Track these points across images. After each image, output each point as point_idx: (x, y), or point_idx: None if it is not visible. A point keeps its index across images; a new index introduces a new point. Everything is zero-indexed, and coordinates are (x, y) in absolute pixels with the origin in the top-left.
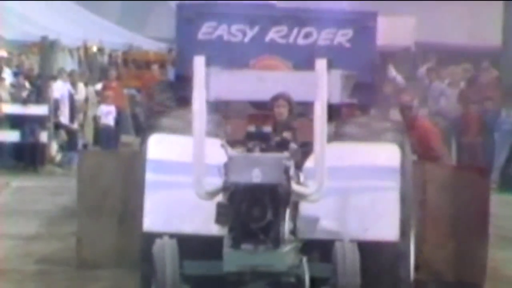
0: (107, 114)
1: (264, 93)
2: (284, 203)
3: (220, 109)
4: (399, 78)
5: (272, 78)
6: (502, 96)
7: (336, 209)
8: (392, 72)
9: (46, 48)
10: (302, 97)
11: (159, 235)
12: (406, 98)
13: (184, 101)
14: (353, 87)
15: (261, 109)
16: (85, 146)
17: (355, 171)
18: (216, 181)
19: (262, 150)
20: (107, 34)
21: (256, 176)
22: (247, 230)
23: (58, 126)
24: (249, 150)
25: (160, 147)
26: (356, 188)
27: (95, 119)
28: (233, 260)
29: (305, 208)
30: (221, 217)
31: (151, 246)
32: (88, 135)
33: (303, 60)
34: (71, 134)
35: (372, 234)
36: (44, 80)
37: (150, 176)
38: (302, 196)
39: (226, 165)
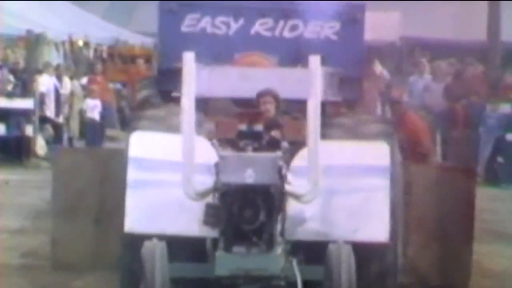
0: (93, 108)
1: (247, 90)
2: (277, 204)
3: (200, 106)
4: (385, 73)
5: (256, 75)
6: (487, 91)
7: (324, 209)
8: (378, 67)
9: (32, 42)
10: (286, 95)
11: (141, 236)
12: (395, 93)
13: (167, 96)
14: (340, 82)
15: (244, 107)
16: (70, 139)
17: (343, 170)
18: (203, 181)
19: (255, 149)
20: (93, 28)
21: (249, 177)
22: (239, 233)
23: (43, 120)
24: (241, 149)
25: (142, 145)
26: (344, 187)
27: (81, 113)
28: (225, 263)
29: (292, 208)
30: (210, 218)
31: (132, 248)
32: (73, 129)
33: (289, 53)
34: (57, 127)
35: (362, 235)
36: (30, 74)
37: (131, 175)
38: (295, 197)
39: (217, 165)
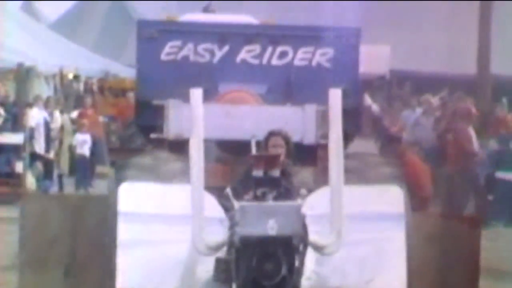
0: (82, 143)
1: (232, 130)
2: (301, 255)
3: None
4: (375, 107)
5: (241, 113)
6: (476, 126)
7: (334, 259)
8: (368, 100)
9: (22, 75)
10: None
11: None
12: (394, 129)
13: (146, 132)
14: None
15: (229, 150)
16: (60, 176)
17: (354, 217)
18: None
19: (275, 198)
20: (84, 61)
21: (271, 228)
22: None
23: (33, 156)
24: (259, 198)
25: (132, 197)
26: (356, 236)
27: (71, 148)
28: None
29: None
30: (221, 274)
31: None
32: (63, 165)
33: (278, 83)
34: (47, 164)
35: (376, 286)
36: (20, 107)
37: (123, 231)
38: (317, 248)
39: (232, 216)
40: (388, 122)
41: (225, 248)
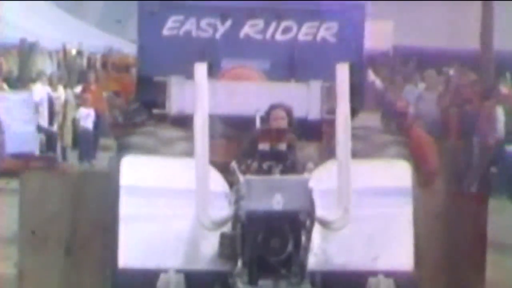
0: (86, 117)
1: (235, 107)
2: (308, 231)
3: (185, 124)
4: (378, 82)
5: (244, 90)
6: (480, 99)
7: (340, 235)
8: (371, 76)
9: (25, 50)
10: None
11: (137, 272)
12: (401, 105)
13: (148, 107)
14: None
15: (233, 126)
16: (63, 149)
17: (360, 192)
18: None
19: (281, 172)
20: (87, 37)
21: (277, 203)
22: (265, 264)
23: (38, 129)
24: (265, 172)
25: (135, 170)
26: (362, 211)
27: (74, 122)
28: None
29: None
30: (226, 249)
31: (126, 285)
32: (67, 138)
33: (281, 58)
34: (50, 136)
35: (383, 263)
36: (23, 83)
37: (124, 206)
38: (324, 224)
39: (238, 190)
40: (391, 98)
41: (230, 224)
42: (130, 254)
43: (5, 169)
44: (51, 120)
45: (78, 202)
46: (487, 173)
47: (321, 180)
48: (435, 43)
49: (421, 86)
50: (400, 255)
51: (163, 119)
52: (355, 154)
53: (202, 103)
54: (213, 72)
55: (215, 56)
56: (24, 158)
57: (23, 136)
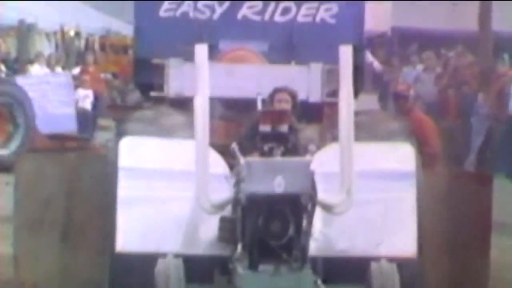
0: (84, 98)
1: (234, 89)
2: (310, 215)
3: (183, 107)
4: (376, 64)
5: (244, 72)
6: (479, 80)
7: (341, 221)
8: (369, 57)
9: (23, 32)
10: None
11: (134, 256)
12: (401, 87)
13: (145, 90)
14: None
15: (232, 108)
16: None
17: (362, 176)
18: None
19: (282, 154)
20: (85, 19)
21: (278, 185)
22: (265, 249)
23: None
24: (266, 154)
25: (134, 152)
26: (364, 195)
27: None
28: (252, 284)
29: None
30: (226, 233)
31: (123, 269)
32: None
33: (280, 40)
34: None
35: (386, 249)
36: (21, 64)
37: (123, 188)
38: (326, 207)
39: (238, 172)
40: (389, 79)
41: (230, 207)
42: (128, 237)
43: (41, 148)
44: None
45: (74, 185)
46: (486, 152)
47: (323, 163)
48: (433, 24)
49: (419, 67)
50: (403, 240)
51: (160, 101)
52: (357, 139)
53: (203, 84)
54: (212, 54)
55: (213, 37)
56: (60, 139)
57: (60, 118)
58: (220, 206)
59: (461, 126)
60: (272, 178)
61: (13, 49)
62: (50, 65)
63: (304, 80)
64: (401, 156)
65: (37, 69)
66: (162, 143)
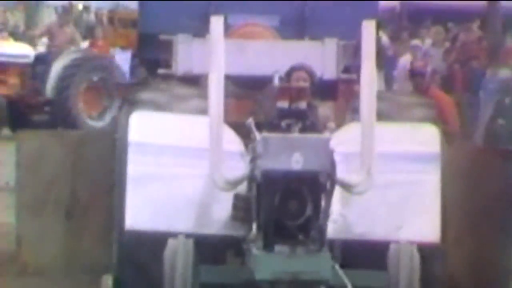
0: None
1: (245, 66)
2: (328, 195)
3: (194, 84)
4: (385, 39)
5: (255, 48)
6: (487, 55)
7: (361, 203)
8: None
9: (32, 6)
10: None
11: (144, 234)
12: (418, 64)
13: (151, 66)
14: (353, 53)
15: (244, 86)
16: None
17: (384, 158)
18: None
19: (300, 131)
20: None
21: (296, 162)
22: (282, 229)
23: None
24: (284, 130)
25: (144, 127)
26: (386, 178)
27: None
28: (267, 265)
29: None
30: (240, 212)
31: (133, 247)
32: None
33: (292, 14)
34: None
35: (408, 233)
36: (30, 38)
37: (132, 163)
38: (346, 187)
39: (254, 148)
40: (396, 53)
41: (245, 184)
42: (138, 215)
43: None
44: None
45: (78, 163)
46: (494, 125)
47: (343, 142)
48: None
49: (428, 42)
50: (426, 225)
51: (168, 79)
52: (378, 115)
53: (219, 59)
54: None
55: (221, 12)
56: None
57: None
58: (235, 183)
59: (469, 101)
60: (290, 154)
61: (21, 23)
62: None
63: (318, 57)
64: (425, 137)
65: (45, 43)
66: (174, 118)
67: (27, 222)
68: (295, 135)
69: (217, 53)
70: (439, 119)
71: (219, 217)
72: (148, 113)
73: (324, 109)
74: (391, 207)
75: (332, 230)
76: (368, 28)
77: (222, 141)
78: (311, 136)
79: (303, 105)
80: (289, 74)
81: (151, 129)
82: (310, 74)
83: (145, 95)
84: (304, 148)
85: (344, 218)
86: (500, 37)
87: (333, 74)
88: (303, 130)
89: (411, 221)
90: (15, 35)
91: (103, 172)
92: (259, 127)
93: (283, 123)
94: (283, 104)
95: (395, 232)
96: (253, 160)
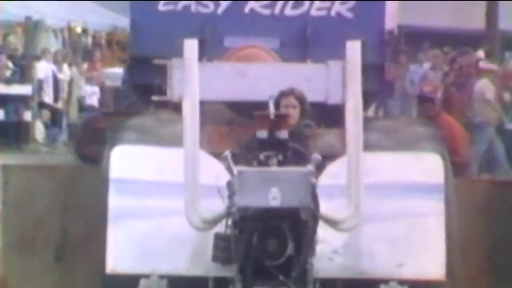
0: (92, 94)
1: (243, 91)
2: (311, 232)
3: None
4: None
5: (254, 71)
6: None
7: (358, 238)
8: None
9: (30, 28)
10: None
11: (128, 277)
12: (428, 89)
13: (142, 92)
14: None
15: (242, 113)
16: (70, 126)
17: (383, 189)
18: (210, 206)
19: (280, 163)
20: (91, 15)
21: (274, 198)
22: (261, 269)
23: (42, 105)
24: (262, 163)
25: (127, 162)
26: (385, 210)
27: (80, 99)
28: None
29: (319, 237)
30: (220, 252)
31: None
32: (72, 115)
33: (292, 36)
34: (55, 113)
35: (410, 270)
36: (28, 60)
37: (114, 201)
38: (331, 223)
39: (230, 184)
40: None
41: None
42: (120, 259)
43: None
44: (56, 97)
45: (69, 200)
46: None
47: (338, 174)
48: (439, 22)
49: (426, 65)
50: (429, 261)
51: (162, 106)
52: (379, 148)
53: (193, 85)
54: (215, 51)
55: (217, 33)
56: None
57: None
58: (213, 222)
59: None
60: (267, 190)
61: (20, 46)
62: (56, 61)
63: (322, 80)
64: (427, 167)
65: (43, 66)
66: (157, 152)
67: (14, 263)
68: (273, 168)
69: (191, 78)
70: (449, 150)
71: (203, 257)
72: (131, 147)
73: (329, 138)
74: (391, 243)
75: (327, 268)
76: (353, 49)
77: (198, 175)
78: (289, 170)
79: (283, 134)
80: (277, 100)
81: (134, 165)
82: (300, 100)
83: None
84: (282, 183)
85: (340, 256)
86: (499, 60)
87: (339, 99)
88: (283, 162)
89: (413, 257)
90: (14, 58)
91: (96, 209)
92: (238, 159)
93: (262, 155)
94: (262, 134)
95: (396, 270)
96: (230, 196)
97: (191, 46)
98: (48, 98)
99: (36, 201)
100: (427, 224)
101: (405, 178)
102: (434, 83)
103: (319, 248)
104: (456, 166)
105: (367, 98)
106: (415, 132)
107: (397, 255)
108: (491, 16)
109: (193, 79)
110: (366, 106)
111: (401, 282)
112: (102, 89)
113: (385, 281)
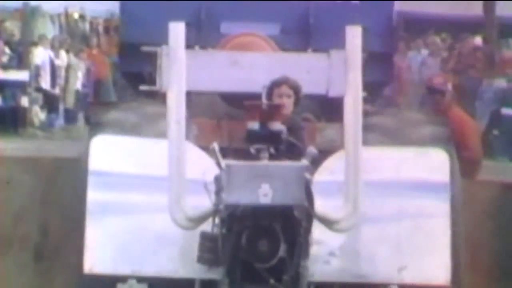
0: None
1: (239, 82)
2: (305, 233)
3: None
4: None
5: (251, 61)
6: (484, 65)
7: (358, 240)
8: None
9: (27, 14)
10: None
11: (106, 278)
12: (438, 81)
13: (133, 80)
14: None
15: (236, 104)
16: (67, 111)
17: (385, 188)
18: (196, 202)
19: (272, 157)
20: (89, 1)
21: (264, 195)
22: (250, 272)
23: (39, 91)
24: (253, 157)
25: (107, 154)
26: (387, 211)
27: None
28: None
29: (314, 238)
30: (206, 253)
31: None
32: (69, 100)
33: (294, 21)
34: (52, 98)
35: (412, 275)
36: (25, 46)
37: (92, 195)
38: (327, 223)
39: (218, 179)
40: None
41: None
42: (98, 256)
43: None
44: (53, 83)
45: (50, 195)
46: (489, 136)
47: (336, 170)
48: (438, 9)
49: (424, 51)
50: (433, 265)
51: (151, 96)
52: (384, 134)
53: (179, 74)
54: (211, 38)
55: (213, 19)
56: None
57: None
58: (198, 220)
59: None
60: (257, 186)
61: (17, 32)
62: (54, 47)
63: (323, 71)
64: (432, 164)
65: (41, 52)
66: (140, 143)
67: None
68: (263, 162)
69: (177, 66)
70: (460, 145)
71: (189, 258)
72: (111, 137)
73: (330, 131)
74: (392, 245)
75: (324, 272)
76: (353, 35)
77: (184, 170)
78: (282, 164)
79: (277, 126)
80: (270, 90)
81: (115, 156)
82: (295, 89)
83: (112, 115)
84: (273, 178)
85: (339, 258)
86: (496, 46)
87: (341, 91)
88: (276, 156)
89: (415, 260)
90: (11, 44)
91: (78, 205)
92: (227, 153)
93: (253, 148)
94: (253, 125)
95: (398, 274)
96: (218, 192)
97: (177, 29)
98: (45, 83)
99: (14, 196)
100: (431, 225)
101: (407, 175)
102: (444, 75)
103: (315, 250)
104: (467, 162)
105: (373, 90)
106: (420, 133)
107: (399, 258)
108: (489, 2)
109: (179, 66)
110: (372, 98)
111: (403, 287)
112: None
113: (386, 286)
